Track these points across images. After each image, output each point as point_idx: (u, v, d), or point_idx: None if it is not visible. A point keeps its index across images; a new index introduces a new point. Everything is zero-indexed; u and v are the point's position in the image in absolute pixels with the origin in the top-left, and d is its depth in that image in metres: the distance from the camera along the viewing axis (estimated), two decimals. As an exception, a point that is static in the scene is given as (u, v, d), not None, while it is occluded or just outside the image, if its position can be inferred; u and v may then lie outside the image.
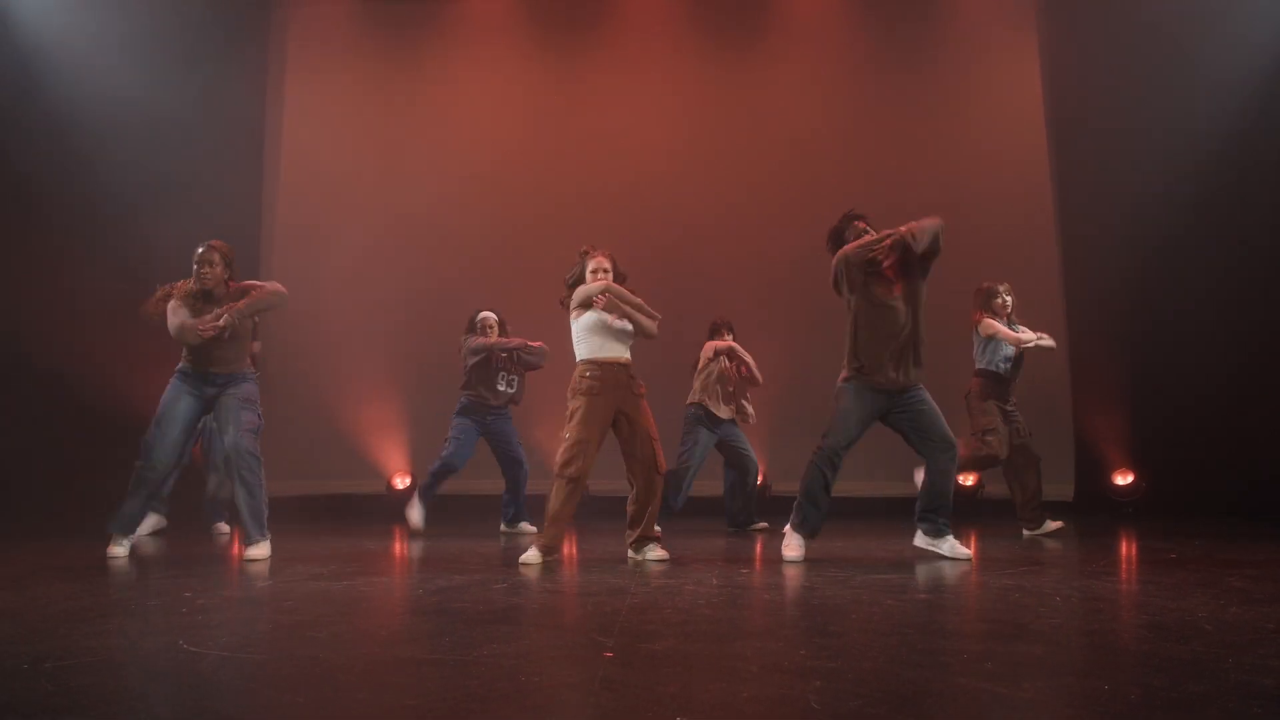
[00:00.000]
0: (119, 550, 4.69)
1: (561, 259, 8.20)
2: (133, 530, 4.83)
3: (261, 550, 4.63)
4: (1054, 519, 5.83)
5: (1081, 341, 7.84)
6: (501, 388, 6.34)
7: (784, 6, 8.80)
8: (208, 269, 4.69)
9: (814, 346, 7.67)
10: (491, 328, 6.42)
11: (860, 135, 8.48)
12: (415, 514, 6.26)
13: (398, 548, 5.56)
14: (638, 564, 4.45)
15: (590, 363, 4.54)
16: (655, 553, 4.55)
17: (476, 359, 6.29)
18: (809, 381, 7.82)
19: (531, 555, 4.42)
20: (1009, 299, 5.92)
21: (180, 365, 4.79)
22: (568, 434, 4.46)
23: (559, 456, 4.46)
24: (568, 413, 4.53)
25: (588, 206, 8.46)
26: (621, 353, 4.59)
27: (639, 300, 4.60)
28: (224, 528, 6.24)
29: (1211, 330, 7.44)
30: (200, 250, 4.73)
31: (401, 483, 8.16)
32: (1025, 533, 5.79)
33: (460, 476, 6.74)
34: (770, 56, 8.73)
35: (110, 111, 7.34)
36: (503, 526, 6.35)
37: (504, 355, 6.29)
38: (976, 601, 3.46)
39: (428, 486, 6.30)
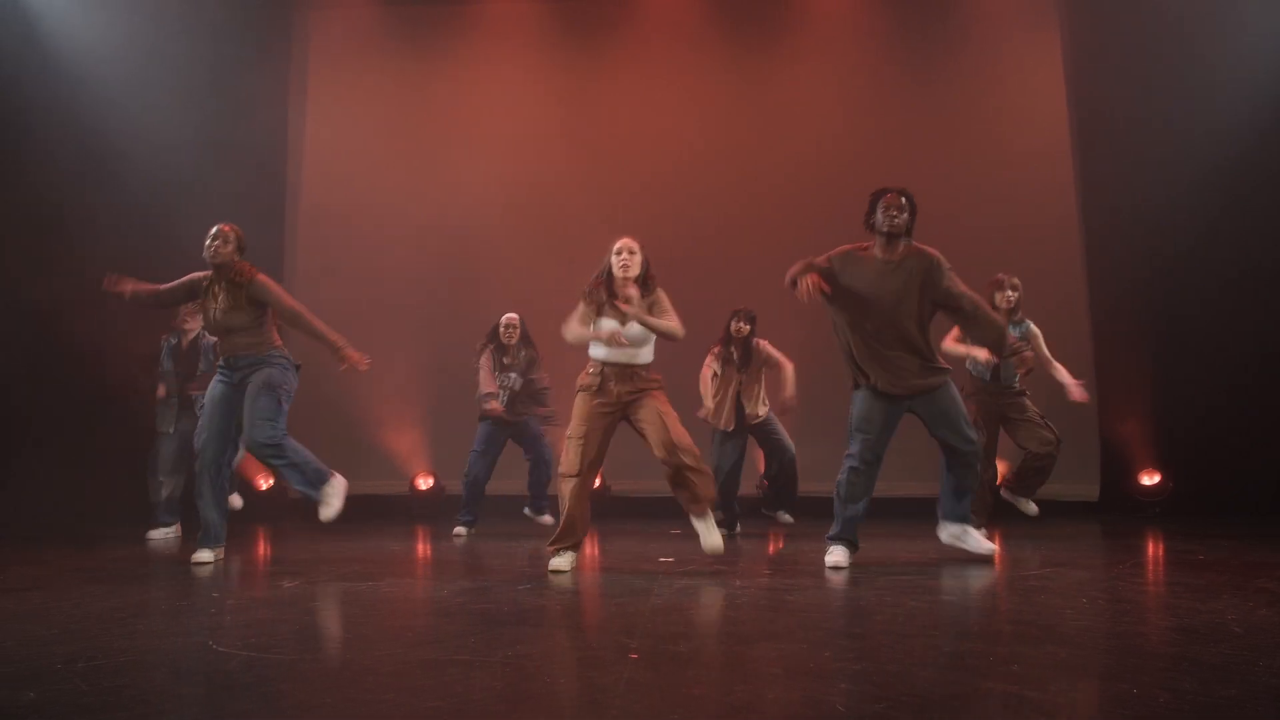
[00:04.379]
0: (204, 556, 4.59)
1: (582, 258, 8.27)
2: (220, 540, 4.69)
3: (335, 493, 4.60)
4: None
5: (1106, 340, 7.77)
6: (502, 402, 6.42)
7: (804, 5, 8.78)
8: (220, 244, 4.71)
9: (835, 346, 7.63)
10: (514, 327, 6.44)
11: (882, 134, 8.44)
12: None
13: (421, 549, 5.60)
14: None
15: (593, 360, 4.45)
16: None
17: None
18: (831, 381, 7.81)
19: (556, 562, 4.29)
20: (1013, 294, 5.70)
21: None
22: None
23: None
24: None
25: (609, 206, 8.46)
26: (624, 359, 4.41)
27: (655, 322, 4.38)
28: (236, 500, 6.30)
29: (1238, 327, 7.35)
30: (213, 230, 4.77)
31: (424, 483, 8.20)
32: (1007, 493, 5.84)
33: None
34: (790, 55, 8.71)
35: (135, 117, 7.42)
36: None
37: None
38: (1002, 603, 3.44)
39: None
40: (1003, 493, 5.82)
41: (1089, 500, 7.48)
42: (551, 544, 4.32)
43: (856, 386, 4.49)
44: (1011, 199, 8.12)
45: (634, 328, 4.35)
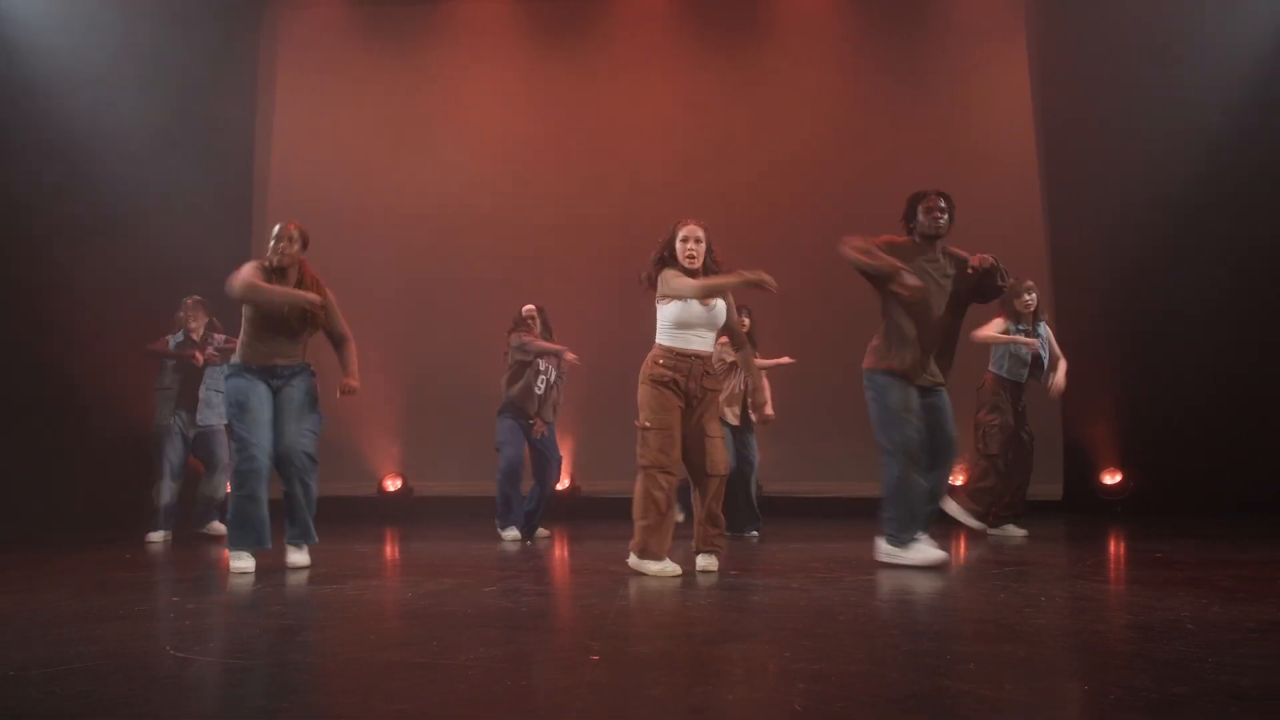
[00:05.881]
0: (242, 565, 4.31)
1: (555, 258, 8.28)
2: (263, 541, 4.36)
3: (304, 557, 4.44)
4: (1020, 529, 5.82)
5: (1071, 343, 7.82)
6: (539, 391, 6.05)
7: (779, 11, 8.82)
8: (286, 244, 4.49)
9: (814, 348, 7.69)
10: (533, 318, 6.18)
11: (853, 139, 8.51)
12: (509, 533, 5.97)
13: (388, 551, 5.57)
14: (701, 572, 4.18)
15: (668, 350, 4.19)
16: (704, 561, 4.23)
17: (521, 359, 6.02)
18: (806, 381, 7.85)
19: (631, 560, 4.16)
20: (1031, 298, 5.82)
21: (236, 363, 4.46)
22: (647, 423, 4.13)
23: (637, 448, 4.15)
24: (639, 401, 4.18)
25: (584, 207, 8.47)
26: (702, 346, 4.24)
27: (729, 279, 4.12)
28: (219, 526, 6.21)
29: (1199, 331, 7.50)
30: (278, 227, 4.54)
31: (392, 485, 8.15)
32: (989, 528, 5.79)
33: (453, 478, 6.75)
34: (766, 60, 8.76)
35: (100, 112, 7.33)
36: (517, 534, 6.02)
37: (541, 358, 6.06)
38: (962, 603, 3.48)
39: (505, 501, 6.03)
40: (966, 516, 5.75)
41: (1053, 499, 7.58)
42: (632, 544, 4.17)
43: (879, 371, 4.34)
44: (979, 203, 8.18)
45: (718, 307, 4.21)
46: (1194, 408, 7.44)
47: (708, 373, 4.25)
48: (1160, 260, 7.64)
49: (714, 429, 4.23)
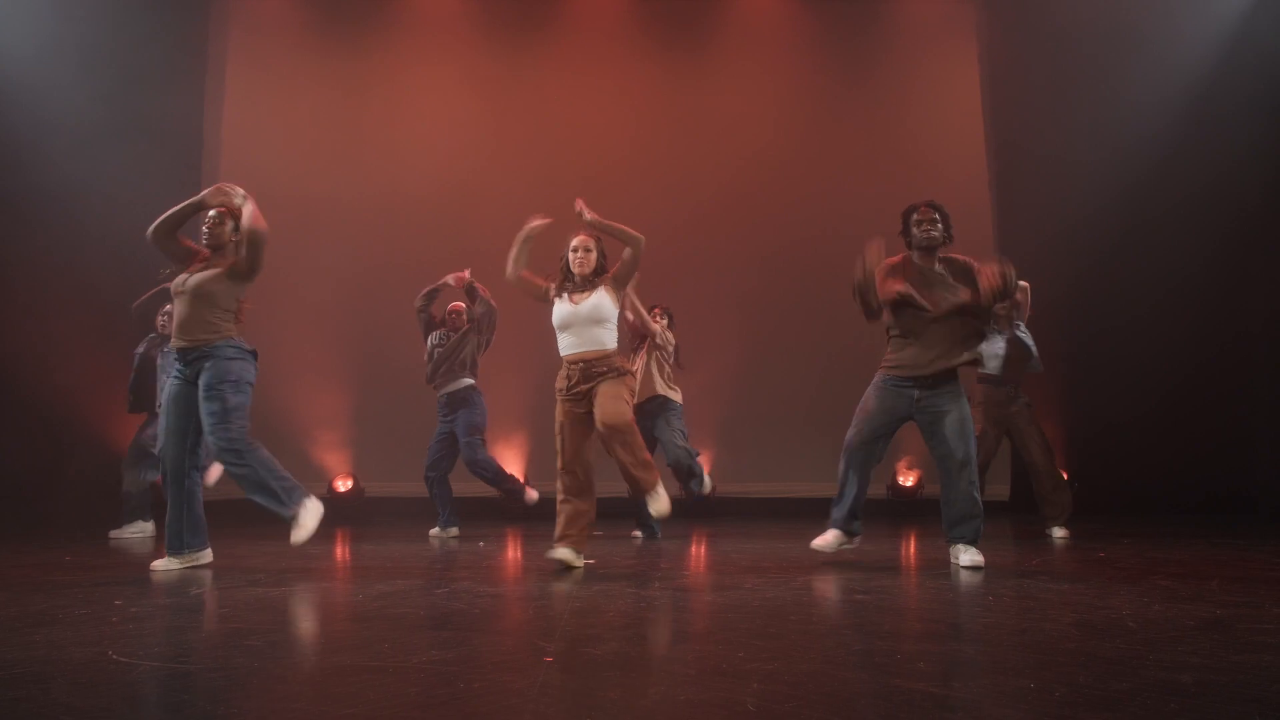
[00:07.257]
0: (158, 564, 4.32)
1: (505, 256, 8.23)
2: (179, 549, 4.35)
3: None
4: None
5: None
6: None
7: (732, 12, 8.87)
8: (209, 226, 4.49)
9: (764, 347, 7.74)
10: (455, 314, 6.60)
11: (804, 145, 8.58)
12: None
13: (339, 552, 5.51)
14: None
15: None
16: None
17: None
18: (759, 383, 7.90)
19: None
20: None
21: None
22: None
23: None
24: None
25: (535, 205, 8.39)
26: (575, 348, 4.41)
27: (617, 225, 4.40)
28: (147, 527, 6.12)
29: (1141, 340, 7.70)
30: (211, 212, 4.50)
31: (343, 485, 8.06)
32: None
33: (405, 478, 6.71)
34: (718, 60, 8.81)
35: (42, 106, 7.15)
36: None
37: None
38: (913, 602, 3.53)
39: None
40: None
41: (1000, 500, 7.72)
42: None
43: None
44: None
45: (587, 304, 4.40)
46: (1136, 414, 7.63)
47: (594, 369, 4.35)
48: (1105, 270, 7.82)
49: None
